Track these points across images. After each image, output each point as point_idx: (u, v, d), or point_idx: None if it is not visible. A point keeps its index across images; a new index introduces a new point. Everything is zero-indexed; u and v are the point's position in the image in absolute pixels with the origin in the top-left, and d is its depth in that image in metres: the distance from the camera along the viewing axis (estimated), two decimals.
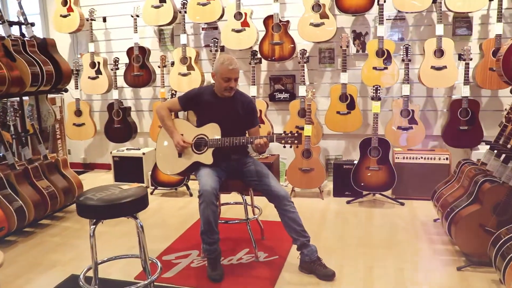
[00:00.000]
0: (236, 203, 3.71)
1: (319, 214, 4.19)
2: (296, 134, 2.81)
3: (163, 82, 5.23)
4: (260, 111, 5.01)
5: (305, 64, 4.78)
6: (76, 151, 6.33)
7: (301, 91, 4.78)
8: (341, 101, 4.76)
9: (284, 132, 2.85)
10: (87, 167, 6.31)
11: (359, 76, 4.98)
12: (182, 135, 3.12)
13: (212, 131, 3.04)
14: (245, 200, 3.27)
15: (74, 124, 5.72)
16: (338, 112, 4.79)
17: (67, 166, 4.44)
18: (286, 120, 5.29)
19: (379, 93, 4.33)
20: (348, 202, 4.45)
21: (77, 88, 5.66)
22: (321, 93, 5.14)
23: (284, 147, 2.87)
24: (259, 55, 4.99)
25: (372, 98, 4.34)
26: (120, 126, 5.57)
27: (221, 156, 3.05)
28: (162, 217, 4.24)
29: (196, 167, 3.07)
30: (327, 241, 3.52)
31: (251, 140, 2.91)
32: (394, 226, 3.81)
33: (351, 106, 4.74)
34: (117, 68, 5.48)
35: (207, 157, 3.01)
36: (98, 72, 5.55)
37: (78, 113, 5.69)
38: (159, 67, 5.28)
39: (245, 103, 3.16)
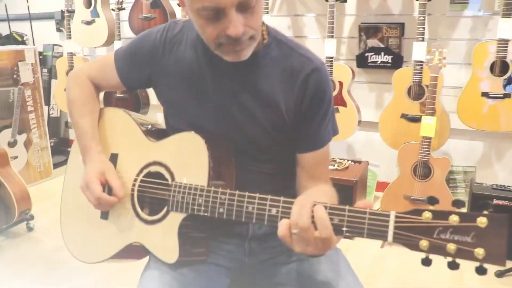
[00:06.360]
0: None
1: None
2: (483, 221, 0.70)
3: None
4: (341, 84, 2.92)
5: (426, 3, 2.59)
6: None
7: (417, 51, 2.63)
8: (493, 73, 2.54)
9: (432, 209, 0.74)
10: None
11: None
12: (115, 157, 1.16)
13: (186, 158, 1.05)
14: None
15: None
16: (485, 95, 2.57)
17: (6, 163, 2.67)
18: (383, 103, 3.13)
19: None
20: (500, 274, 2.29)
21: (70, 38, 3.86)
22: (450, 58, 2.88)
23: (425, 262, 0.76)
24: None
25: None
26: (123, 96, 3.72)
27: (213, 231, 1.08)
28: None
29: (139, 253, 1.11)
30: None
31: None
32: None
33: None
34: (122, 8, 3.58)
35: (165, 239, 1.02)
36: (95, 14, 3.68)
37: None
38: (179, 5, 3.30)
39: (299, 74, 1.06)
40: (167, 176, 1.05)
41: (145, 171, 1.10)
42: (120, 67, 1.19)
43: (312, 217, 0.81)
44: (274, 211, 0.87)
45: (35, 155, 3.57)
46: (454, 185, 3.05)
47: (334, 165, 2.86)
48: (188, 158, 1.03)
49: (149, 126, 1.19)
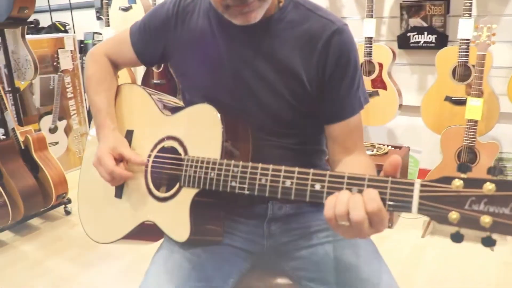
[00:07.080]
0: None
1: None
2: None
3: None
4: (381, 66, 2.78)
5: None
6: None
7: (463, 29, 2.45)
8: None
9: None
10: None
11: None
12: (130, 134, 1.12)
13: (199, 131, 0.98)
14: None
15: None
16: None
17: (45, 148, 2.71)
18: (426, 85, 2.96)
19: None
20: None
21: (108, 25, 3.89)
22: (501, 36, 2.68)
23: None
24: None
25: None
26: (160, 82, 3.71)
27: (230, 207, 1.02)
28: None
29: (154, 233, 1.06)
30: None
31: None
32: None
33: None
34: None
35: (176, 217, 0.96)
36: (132, 0, 3.69)
37: None
38: None
39: (319, 38, 0.97)
40: (180, 150, 0.99)
41: (159, 147, 1.05)
42: (135, 42, 1.15)
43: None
44: (288, 183, 0.79)
45: (75, 141, 3.64)
46: (504, 174, 2.86)
47: (372, 150, 2.74)
48: (201, 131, 0.97)
49: (166, 101, 1.14)
